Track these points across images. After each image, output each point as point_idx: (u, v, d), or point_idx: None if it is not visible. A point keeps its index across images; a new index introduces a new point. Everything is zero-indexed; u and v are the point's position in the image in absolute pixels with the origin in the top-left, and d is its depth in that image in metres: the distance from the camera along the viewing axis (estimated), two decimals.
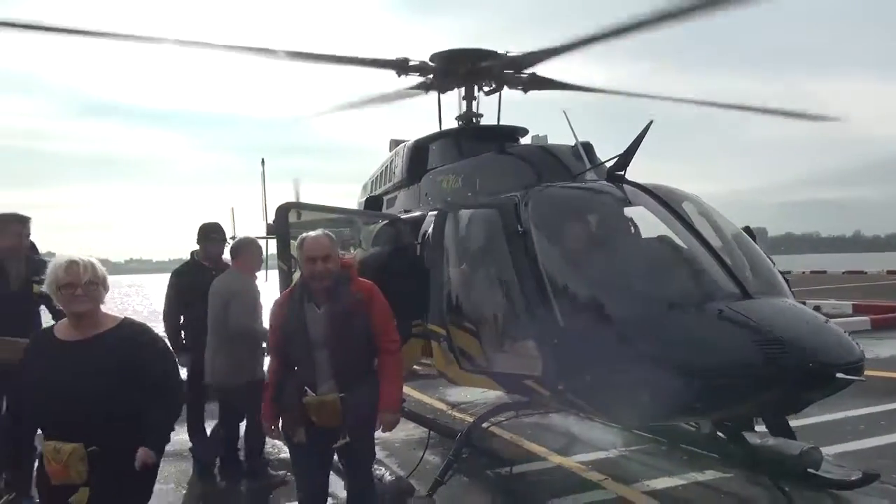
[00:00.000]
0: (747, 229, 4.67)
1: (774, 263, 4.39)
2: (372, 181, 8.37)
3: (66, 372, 2.79)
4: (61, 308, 3.00)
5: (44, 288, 2.96)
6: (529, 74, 6.59)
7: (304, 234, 3.68)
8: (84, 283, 2.84)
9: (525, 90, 6.83)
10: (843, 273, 40.17)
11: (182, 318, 5.99)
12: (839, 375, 3.32)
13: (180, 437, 6.93)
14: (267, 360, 4.63)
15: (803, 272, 46.14)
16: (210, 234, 5.98)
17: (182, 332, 6.02)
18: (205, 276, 5.68)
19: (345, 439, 3.53)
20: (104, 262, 3.02)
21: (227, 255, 5.89)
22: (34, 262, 4.80)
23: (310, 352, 3.56)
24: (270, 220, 14.03)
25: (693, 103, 8.08)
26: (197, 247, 6.06)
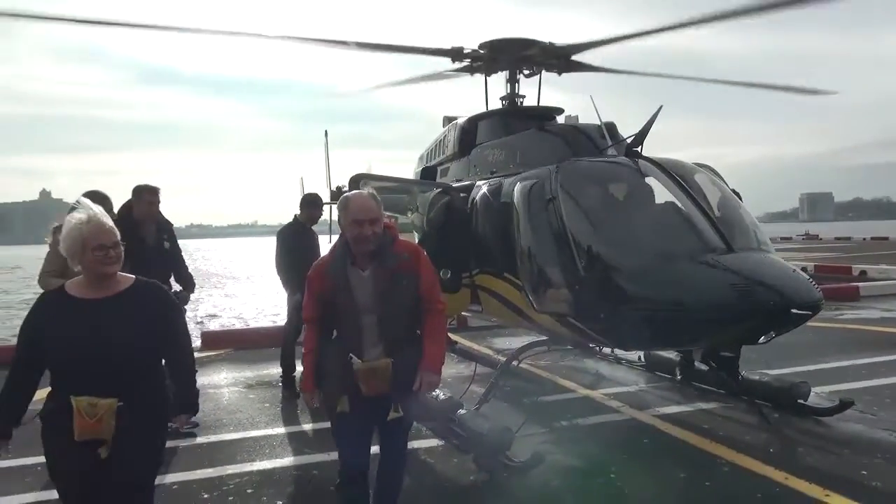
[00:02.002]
0: (735, 192, 5.59)
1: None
2: (427, 153, 9.40)
3: (97, 329, 2.76)
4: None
5: (63, 251, 2.87)
6: (570, 60, 7.44)
7: (348, 195, 3.48)
8: (112, 244, 2.86)
9: (560, 73, 7.69)
10: None
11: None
12: (794, 311, 4.24)
13: (272, 371, 8.33)
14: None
15: (864, 238, 45.40)
16: (313, 203, 7.53)
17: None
18: (307, 233, 7.27)
19: (398, 412, 3.42)
20: None
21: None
22: (163, 223, 6.09)
23: (356, 317, 3.38)
24: (334, 188, 15.37)
25: (715, 83, 8.77)
26: (299, 211, 7.52)
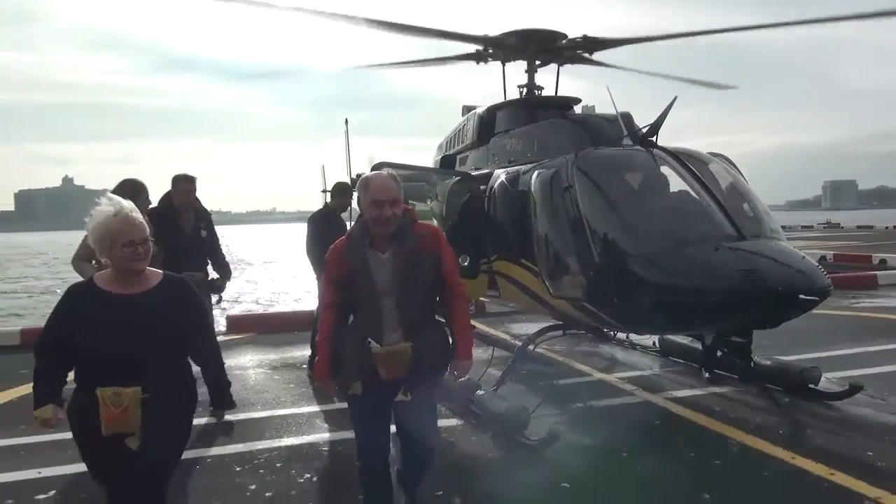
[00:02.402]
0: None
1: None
2: (446, 142, 9.58)
3: (128, 326, 2.76)
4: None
5: (91, 242, 2.89)
6: (591, 54, 7.57)
7: (368, 175, 3.40)
8: (142, 240, 2.83)
9: (574, 63, 7.82)
10: None
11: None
12: (802, 297, 4.39)
13: (295, 354, 8.64)
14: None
15: (886, 227, 44.96)
16: (344, 191, 7.87)
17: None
18: (337, 219, 7.60)
19: (406, 396, 3.33)
20: None
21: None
22: (200, 211, 6.32)
23: (375, 300, 3.29)
24: (354, 175, 15.57)
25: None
26: (329, 199, 8.02)
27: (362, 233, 3.35)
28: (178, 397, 2.95)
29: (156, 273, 2.98)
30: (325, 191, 19.00)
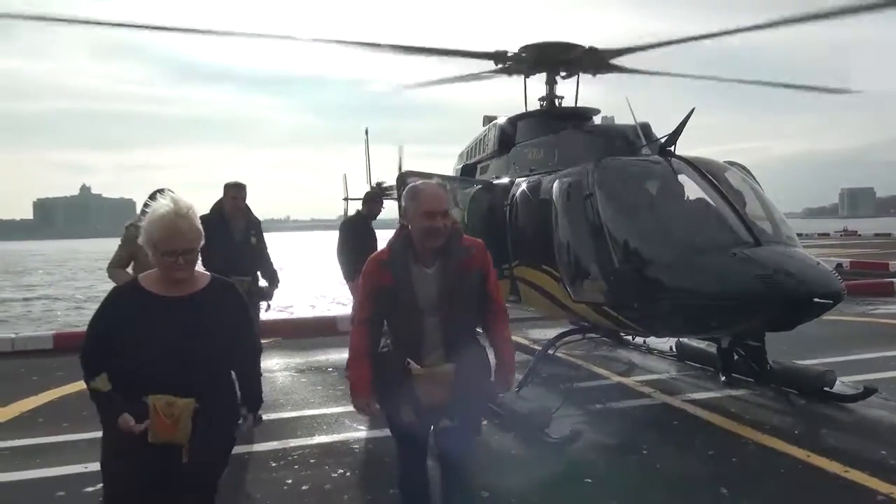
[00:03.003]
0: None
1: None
2: (467, 151, 9.82)
3: (177, 329, 2.65)
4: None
5: (141, 240, 2.73)
6: (608, 63, 7.78)
7: (417, 184, 3.18)
8: (185, 251, 2.68)
9: (594, 74, 8.03)
10: None
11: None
12: (816, 300, 4.57)
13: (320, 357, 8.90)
14: None
15: None
16: (376, 199, 8.20)
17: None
18: (367, 227, 7.84)
19: (453, 422, 3.12)
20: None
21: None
22: (251, 219, 6.41)
23: (417, 318, 3.09)
24: (374, 184, 15.86)
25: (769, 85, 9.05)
26: (361, 206, 8.32)
27: (405, 245, 3.14)
28: (228, 405, 2.84)
29: (203, 275, 2.87)
30: (347, 198, 19.36)
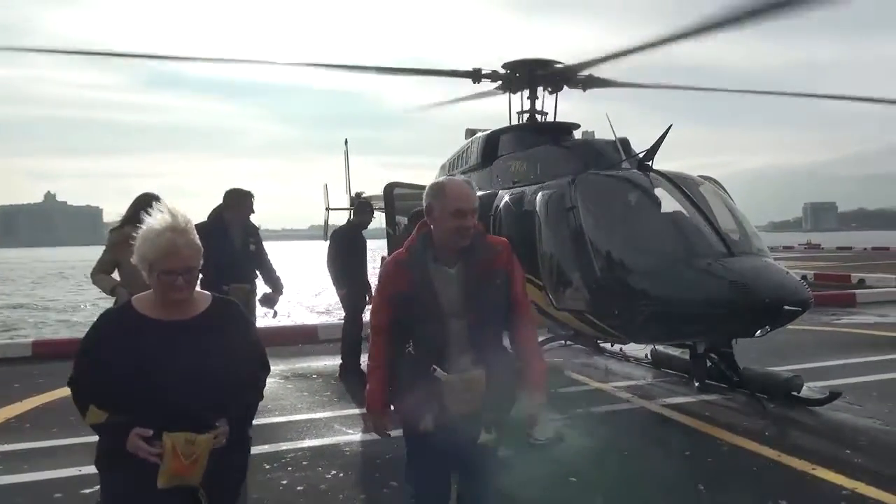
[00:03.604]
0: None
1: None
2: (450, 162, 10.06)
3: (184, 355, 2.37)
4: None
5: (134, 259, 2.42)
6: (587, 76, 8.09)
7: (442, 181, 2.94)
8: (184, 269, 2.38)
9: (584, 89, 8.34)
10: None
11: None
12: (786, 307, 4.87)
13: (303, 364, 9.03)
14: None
15: (865, 249, 46.02)
16: (366, 209, 8.29)
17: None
18: (359, 236, 8.04)
19: (490, 433, 2.86)
20: None
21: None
22: (249, 226, 6.44)
23: (441, 322, 2.85)
24: (353, 194, 16.06)
25: (738, 92, 9.43)
26: (352, 215, 8.53)
27: (424, 245, 2.92)
28: (241, 436, 2.54)
29: (204, 296, 2.57)
30: (328, 208, 19.49)
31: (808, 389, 6.61)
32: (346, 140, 18.43)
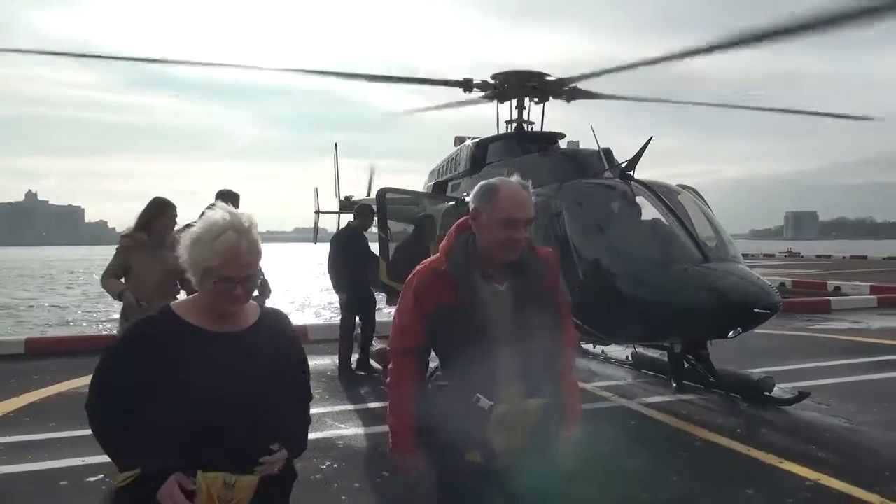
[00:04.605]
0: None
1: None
2: (439, 169, 10.35)
3: (244, 377, 2.02)
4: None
5: (185, 262, 2.09)
6: (571, 88, 8.43)
7: (494, 182, 2.46)
8: (243, 278, 2.06)
9: (568, 100, 8.67)
10: (883, 259, 41.23)
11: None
12: (757, 310, 5.20)
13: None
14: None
15: (843, 257, 46.89)
16: (367, 212, 8.51)
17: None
18: (360, 238, 8.24)
19: (535, 472, 2.44)
20: None
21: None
22: None
23: (491, 346, 2.38)
24: (343, 197, 16.28)
25: (724, 107, 9.81)
26: (353, 218, 8.65)
27: (467, 256, 2.44)
28: (288, 477, 2.18)
29: (254, 307, 2.23)
30: (317, 212, 19.71)
31: (779, 390, 6.94)
32: (335, 144, 18.74)
